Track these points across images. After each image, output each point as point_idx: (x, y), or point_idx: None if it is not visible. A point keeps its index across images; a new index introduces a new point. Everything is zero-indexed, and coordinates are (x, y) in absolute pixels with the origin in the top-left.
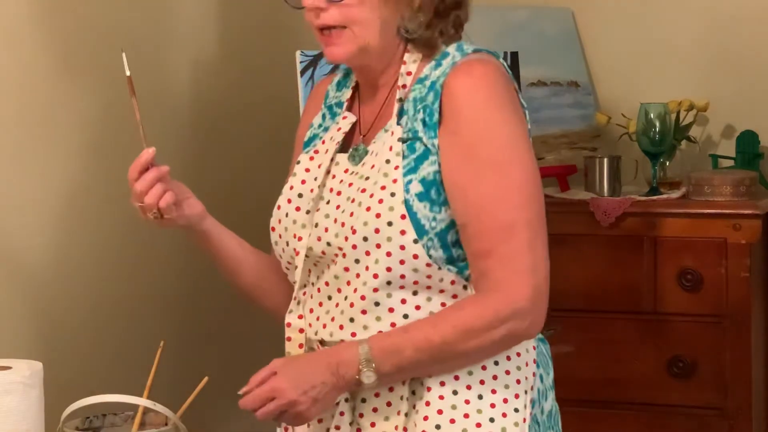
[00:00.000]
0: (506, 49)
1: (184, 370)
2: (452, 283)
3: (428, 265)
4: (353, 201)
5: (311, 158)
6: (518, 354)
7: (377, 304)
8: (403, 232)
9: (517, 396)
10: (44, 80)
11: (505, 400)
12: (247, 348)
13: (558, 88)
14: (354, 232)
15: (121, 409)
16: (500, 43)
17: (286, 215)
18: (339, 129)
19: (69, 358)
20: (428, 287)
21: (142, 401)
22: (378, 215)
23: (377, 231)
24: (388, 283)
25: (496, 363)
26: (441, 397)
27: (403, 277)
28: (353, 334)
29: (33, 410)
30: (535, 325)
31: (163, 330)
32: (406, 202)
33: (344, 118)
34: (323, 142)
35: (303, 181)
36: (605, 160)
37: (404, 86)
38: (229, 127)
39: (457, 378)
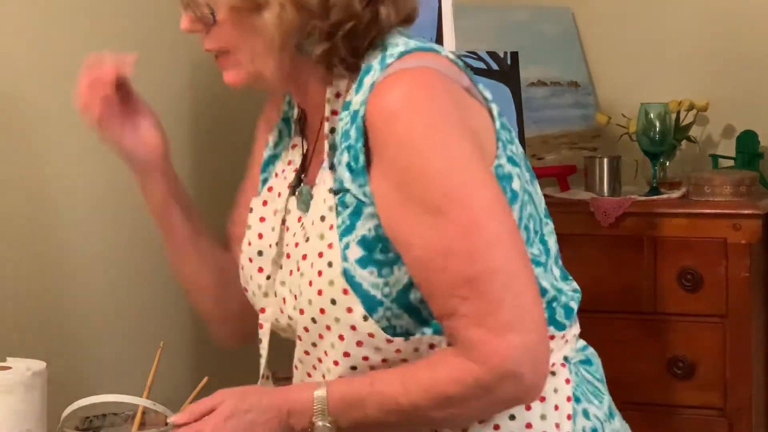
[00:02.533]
0: (506, 49)
1: (184, 370)
2: (431, 347)
3: (389, 341)
4: (298, 270)
5: (264, 203)
6: (542, 399)
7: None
8: (349, 310)
9: None
10: (44, 79)
11: None
12: (247, 348)
13: (558, 88)
14: (302, 312)
15: (121, 409)
16: (500, 43)
17: (251, 278)
18: (290, 162)
19: (69, 357)
20: (404, 360)
21: (142, 401)
22: (320, 292)
23: (322, 311)
24: (353, 368)
25: (512, 417)
26: None
27: (366, 359)
28: None
29: (34, 410)
30: (534, 386)
31: (163, 330)
32: (345, 273)
33: (293, 146)
34: (276, 176)
35: (260, 235)
36: (605, 160)
37: (335, 113)
38: (229, 127)
39: None
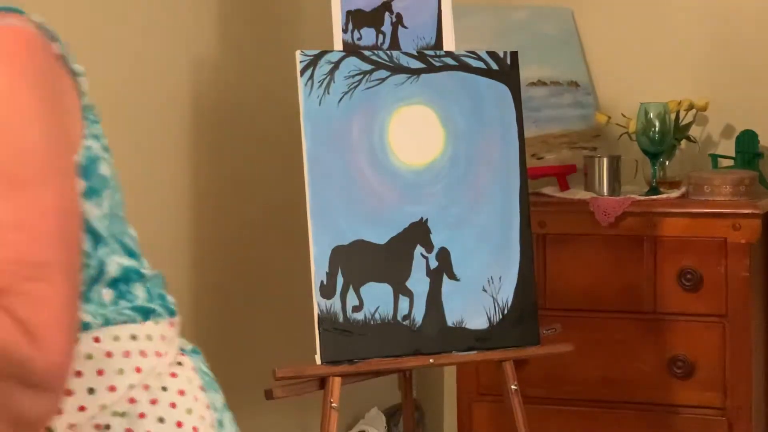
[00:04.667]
0: (506, 49)
1: None
2: None
3: None
4: None
5: None
6: (181, 392)
7: None
8: None
9: None
10: None
11: None
12: (247, 348)
13: (558, 88)
14: None
15: None
16: (500, 43)
17: None
18: None
19: None
20: None
21: None
22: None
23: None
24: None
25: (162, 420)
26: None
27: None
28: None
29: None
30: (49, 410)
31: None
32: None
33: None
34: None
35: None
36: (605, 159)
37: None
38: (229, 127)
39: None
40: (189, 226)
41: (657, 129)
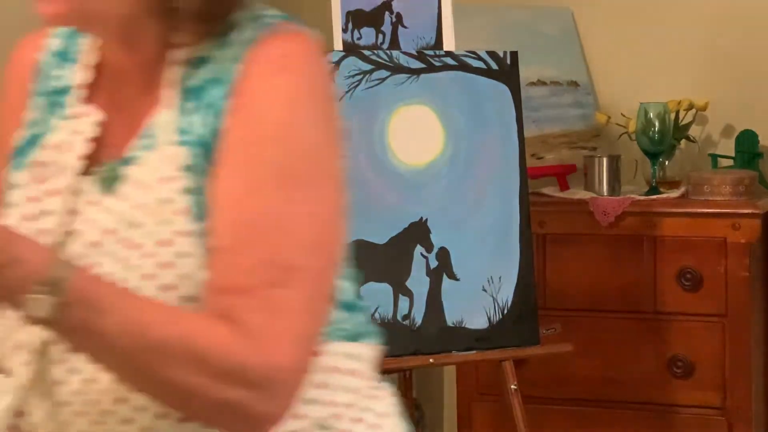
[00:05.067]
0: (506, 49)
1: None
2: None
3: None
4: (120, 261)
5: (36, 179)
6: (383, 415)
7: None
8: None
9: None
10: None
11: None
12: None
13: (558, 88)
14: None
15: None
16: (500, 43)
17: None
18: (77, 132)
19: None
20: None
21: None
22: (167, 288)
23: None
24: None
25: None
26: None
27: None
28: None
29: None
30: (274, 417)
31: None
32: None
33: (81, 115)
34: (48, 148)
35: (27, 217)
36: (605, 159)
37: (174, 82)
38: None
39: None
40: None
41: (657, 129)
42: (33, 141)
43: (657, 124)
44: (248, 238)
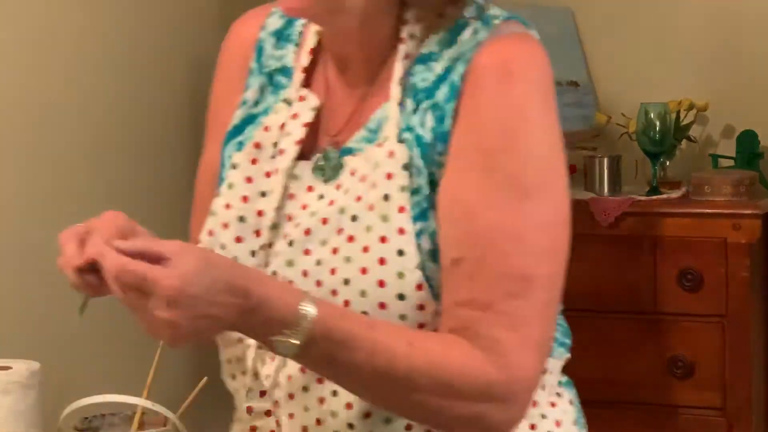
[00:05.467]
0: None
1: (183, 370)
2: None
3: None
4: (335, 251)
5: (253, 161)
6: (558, 423)
7: None
8: (421, 307)
9: None
10: (43, 80)
11: None
12: None
13: (558, 88)
14: (346, 303)
15: (120, 409)
16: None
17: (222, 248)
18: (296, 116)
19: (68, 358)
20: None
21: (141, 401)
22: (381, 283)
23: (383, 306)
24: None
25: None
26: None
27: None
28: None
29: (31, 410)
30: (515, 422)
31: None
32: (421, 265)
33: (301, 98)
34: (266, 129)
35: (245, 198)
36: (605, 159)
37: (408, 56)
38: None
39: None
40: (188, 226)
41: (657, 129)
42: (250, 120)
43: (657, 124)
44: (484, 250)
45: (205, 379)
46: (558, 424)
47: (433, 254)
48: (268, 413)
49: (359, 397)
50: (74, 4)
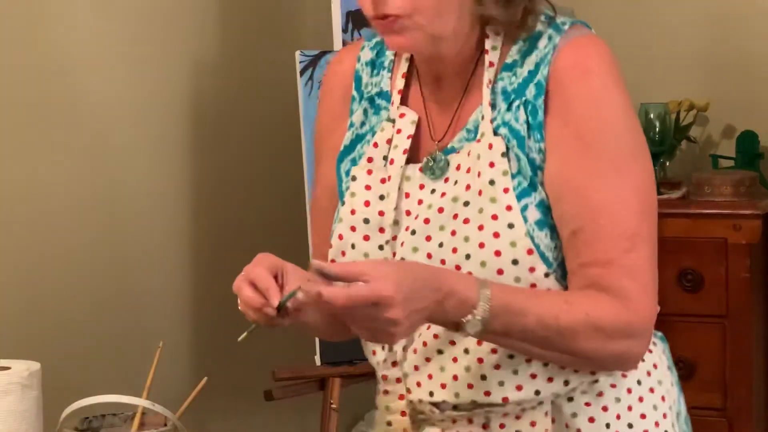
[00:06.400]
0: None
1: (183, 371)
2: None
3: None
4: (454, 233)
5: (369, 171)
6: (655, 365)
7: (511, 356)
8: (532, 269)
9: (665, 416)
10: (44, 80)
11: (657, 424)
12: (247, 348)
13: None
14: (469, 274)
15: (121, 409)
16: None
17: (353, 247)
18: (400, 131)
19: (68, 358)
20: None
21: (141, 402)
22: (498, 253)
23: (500, 272)
24: None
25: (639, 382)
26: (591, 420)
27: None
28: (487, 393)
29: (31, 411)
30: (643, 354)
31: (163, 330)
32: (529, 234)
33: (402, 116)
34: (375, 145)
35: (366, 203)
36: None
37: (489, 82)
38: (229, 127)
39: (605, 409)
40: (189, 226)
41: (657, 129)
42: (359, 139)
43: (658, 124)
44: (597, 218)
45: (205, 379)
46: (655, 366)
47: (540, 224)
48: (398, 380)
49: (528, 355)
50: (74, 4)
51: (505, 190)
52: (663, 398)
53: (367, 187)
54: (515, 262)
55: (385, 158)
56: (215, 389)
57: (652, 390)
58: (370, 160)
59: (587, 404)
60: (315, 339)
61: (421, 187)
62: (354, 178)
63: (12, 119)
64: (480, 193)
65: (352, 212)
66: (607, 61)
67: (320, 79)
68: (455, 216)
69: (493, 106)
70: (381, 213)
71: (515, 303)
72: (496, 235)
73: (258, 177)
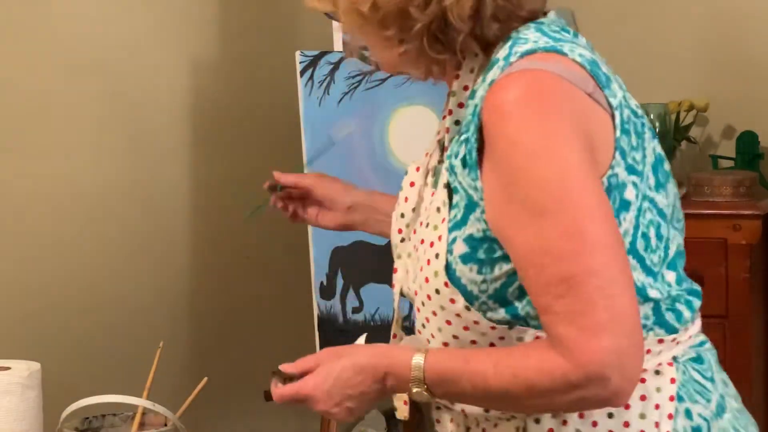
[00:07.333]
0: None
1: (183, 371)
2: (537, 338)
3: (493, 328)
4: (416, 249)
5: (417, 168)
6: (642, 397)
7: None
8: (452, 301)
9: None
10: (44, 80)
11: None
12: (247, 348)
13: None
14: (416, 293)
15: (121, 409)
16: None
17: (393, 235)
18: (438, 134)
19: (68, 358)
20: (519, 339)
21: (142, 402)
22: (427, 280)
23: (429, 298)
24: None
25: (611, 415)
26: None
27: (474, 342)
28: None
29: (31, 411)
30: (620, 391)
31: (163, 330)
32: (448, 267)
33: (444, 117)
34: (426, 155)
35: (406, 198)
36: None
37: (461, 105)
38: (229, 127)
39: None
40: (188, 226)
41: (657, 130)
42: None
43: (657, 125)
44: (526, 268)
45: (205, 379)
46: (643, 398)
47: (465, 258)
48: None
49: (495, 410)
50: (74, 4)
51: (443, 220)
52: (656, 424)
53: (411, 184)
54: (437, 291)
55: (420, 167)
56: (215, 389)
57: (626, 425)
58: (426, 154)
59: (564, 423)
60: (315, 339)
61: (432, 194)
62: (406, 172)
63: (11, 118)
64: (430, 217)
65: (399, 203)
66: (531, 103)
67: (320, 79)
68: (419, 236)
69: (452, 136)
70: (414, 210)
71: (449, 371)
72: (428, 262)
73: (258, 177)
